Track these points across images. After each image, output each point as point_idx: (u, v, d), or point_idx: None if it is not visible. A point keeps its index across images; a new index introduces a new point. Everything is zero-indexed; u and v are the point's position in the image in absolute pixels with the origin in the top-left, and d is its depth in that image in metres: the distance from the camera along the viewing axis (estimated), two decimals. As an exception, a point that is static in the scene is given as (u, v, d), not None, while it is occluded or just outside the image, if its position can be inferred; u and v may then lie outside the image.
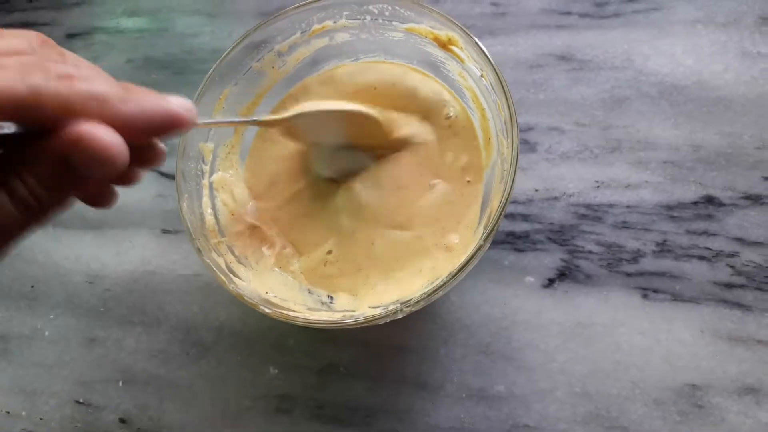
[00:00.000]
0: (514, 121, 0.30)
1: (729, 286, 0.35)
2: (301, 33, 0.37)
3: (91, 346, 0.42)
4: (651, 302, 0.36)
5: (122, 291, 0.43)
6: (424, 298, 0.29)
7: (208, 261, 0.32)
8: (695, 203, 0.37)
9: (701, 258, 0.36)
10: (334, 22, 0.36)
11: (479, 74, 0.33)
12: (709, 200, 0.37)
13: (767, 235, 0.36)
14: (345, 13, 0.36)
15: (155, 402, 0.40)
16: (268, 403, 0.38)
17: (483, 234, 0.29)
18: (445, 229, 0.35)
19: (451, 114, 0.37)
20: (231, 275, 0.33)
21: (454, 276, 0.28)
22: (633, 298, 0.36)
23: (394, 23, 0.36)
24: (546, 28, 0.42)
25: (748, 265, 0.35)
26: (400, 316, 0.29)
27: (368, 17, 0.36)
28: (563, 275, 0.37)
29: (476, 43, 0.32)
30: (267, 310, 0.30)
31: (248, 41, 0.35)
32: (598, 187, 0.38)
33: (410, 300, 0.29)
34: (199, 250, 0.32)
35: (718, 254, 0.36)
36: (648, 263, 0.36)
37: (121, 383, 0.41)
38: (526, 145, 0.40)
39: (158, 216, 0.43)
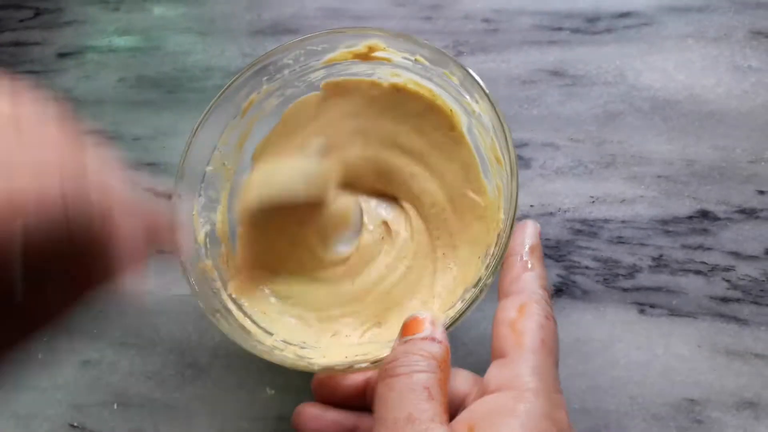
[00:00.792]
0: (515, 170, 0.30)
1: (725, 300, 0.35)
2: (234, 117, 0.35)
3: (84, 368, 0.42)
4: (648, 317, 0.36)
5: (116, 312, 0.43)
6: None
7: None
8: (690, 218, 0.37)
9: (697, 272, 0.36)
10: (258, 93, 0.35)
11: (413, 59, 0.33)
12: (704, 214, 0.37)
13: (762, 249, 0.36)
14: (264, 78, 0.35)
15: (150, 425, 0.39)
16: (265, 425, 0.37)
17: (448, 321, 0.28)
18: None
19: None
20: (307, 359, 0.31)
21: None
22: (630, 314, 0.36)
23: (311, 64, 0.35)
24: (538, 44, 0.42)
25: (743, 279, 0.35)
26: None
27: (286, 71, 0.35)
28: (560, 291, 0.37)
29: (398, 35, 0.32)
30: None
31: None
32: (593, 202, 0.38)
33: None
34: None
35: (714, 268, 0.36)
36: (644, 278, 0.36)
37: (115, 406, 0.40)
38: (521, 161, 0.40)
39: (152, 236, 0.43)
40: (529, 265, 0.27)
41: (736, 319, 0.35)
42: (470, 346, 0.36)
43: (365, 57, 0.34)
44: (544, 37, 0.42)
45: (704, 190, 0.37)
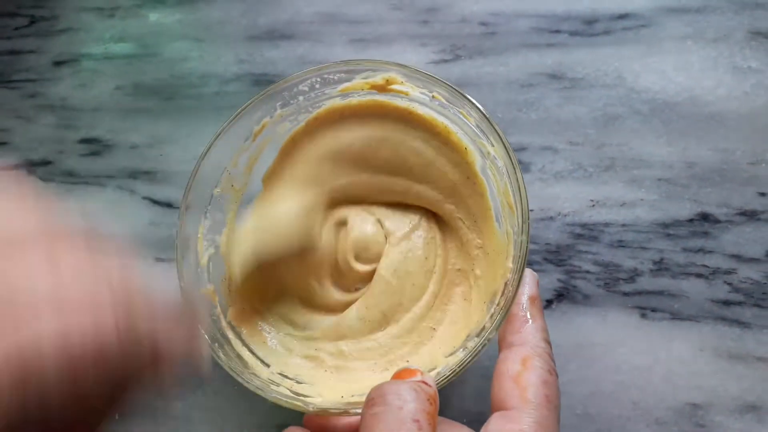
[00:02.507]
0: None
1: (727, 303, 0.35)
2: (245, 140, 0.35)
3: (85, 378, 0.41)
4: (649, 321, 0.35)
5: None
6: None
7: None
8: (691, 220, 0.37)
9: (698, 276, 0.36)
10: (271, 117, 0.35)
11: (430, 96, 0.33)
12: (705, 217, 0.37)
13: (763, 252, 0.36)
14: (278, 104, 0.34)
15: (152, 435, 0.39)
16: (266, 434, 0.37)
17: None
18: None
19: None
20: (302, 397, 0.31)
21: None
22: (631, 318, 0.36)
23: (327, 91, 0.34)
24: (536, 47, 0.42)
25: (745, 282, 0.35)
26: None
27: (301, 98, 0.34)
28: (561, 296, 0.37)
29: (416, 71, 0.31)
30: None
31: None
32: (593, 206, 0.38)
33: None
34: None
35: (715, 272, 0.36)
36: (645, 282, 0.36)
37: (117, 416, 0.40)
38: (520, 165, 0.39)
39: (151, 245, 0.43)
40: (529, 316, 0.27)
41: (738, 323, 0.35)
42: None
43: (382, 89, 0.34)
44: (542, 40, 0.42)
45: (705, 193, 0.37)
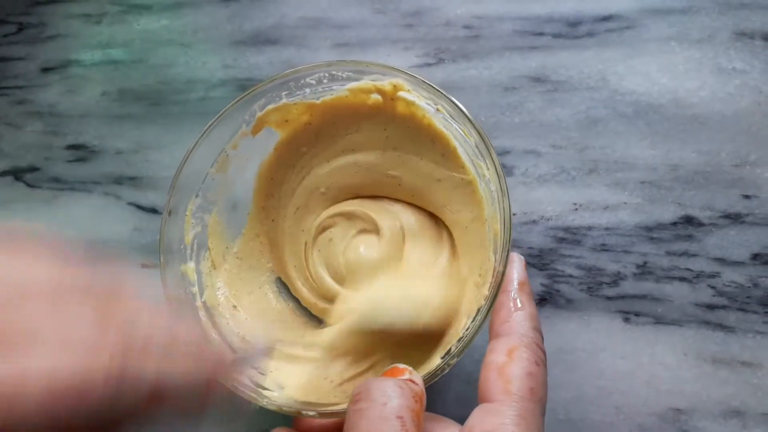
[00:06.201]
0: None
1: (711, 307, 0.35)
2: (246, 125, 0.34)
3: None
4: (633, 326, 0.35)
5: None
6: None
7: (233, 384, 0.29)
8: (674, 224, 0.36)
9: (682, 279, 0.35)
10: (275, 105, 0.34)
11: (435, 108, 0.32)
12: (689, 220, 0.36)
13: (748, 255, 0.35)
14: (284, 93, 0.34)
15: (136, 440, 0.39)
16: (249, 439, 0.37)
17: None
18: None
19: None
20: (260, 389, 0.30)
21: None
22: (614, 322, 0.35)
23: (334, 87, 0.34)
24: (519, 49, 0.41)
25: (729, 286, 0.35)
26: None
27: (307, 90, 0.34)
28: (544, 300, 0.36)
29: (422, 81, 0.31)
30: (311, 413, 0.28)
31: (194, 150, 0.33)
32: (576, 209, 0.38)
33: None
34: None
35: (699, 275, 0.35)
36: (629, 286, 0.36)
37: None
38: (503, 169, 0.39)
39: (136, 250, 0.43)
40: (519, 304, 0.26)
41: (722, 327, 0.34)
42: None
43: (389, 94, 0.33)
44: (526, 42, 0.42)
45: (688, 196, 0.37)
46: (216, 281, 0.35)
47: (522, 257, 0.28)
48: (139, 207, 0.44)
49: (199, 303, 0.33)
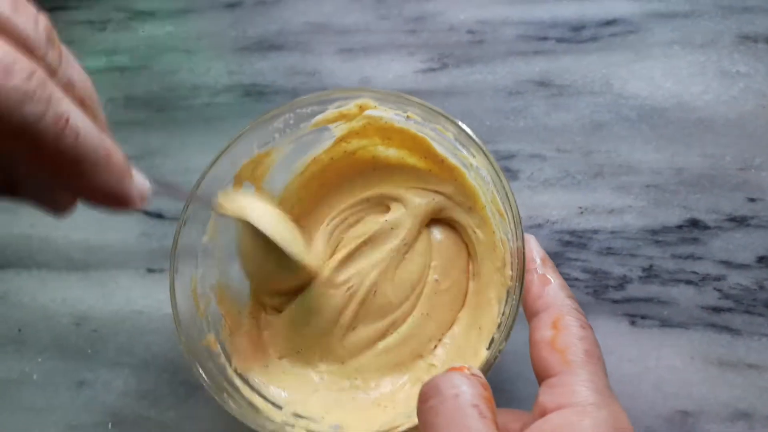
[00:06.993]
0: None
1: (717, 310, 0.35)
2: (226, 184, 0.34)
3: (79, 389, 0.42)
4: (639, 329, 0.35)
5: (109, 332, 0.43)
6: None
7: None
8: (680, 227, 0.37)
9: (688, 282, 0.36)
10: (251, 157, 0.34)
11: (405, 116, 0.33)
12: (694, 223, 0.36)
13: (753, 258, 0.35)
14: (255, 144, 0.34)
15: (144, 445, 0.39)
16: (257, 444, 0.37)
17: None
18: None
19: None
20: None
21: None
22: (621, 326, 0.35)
23: (301, 126, 0.34)
24: (523, 54, 0.42)
25: (735, 288, 0.35)
26: None
27: (276, 135, 0.34)
28: (550, 304, 0.37)
29: (388, 94, 0.31)
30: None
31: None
32: (581, 213, 0.38)
33: None
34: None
35: (705, 278, 0.35)
36: (635, 289, 0.36)
37: (110, 425, 0.40)
38: (508, 173, 0.39)
39: (143, 255, 0.43)
40: (548, 278, 0.27)
41: (729, 329, 0.34)
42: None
43: (355, 117, 0.34)
44: (530, 47, 0.42)
45: (694, 199, 0.37)
46: None
47: (532, 235, 0.29)
48: (146, 212, 0.44)
49: (231, 372, 0.33)
